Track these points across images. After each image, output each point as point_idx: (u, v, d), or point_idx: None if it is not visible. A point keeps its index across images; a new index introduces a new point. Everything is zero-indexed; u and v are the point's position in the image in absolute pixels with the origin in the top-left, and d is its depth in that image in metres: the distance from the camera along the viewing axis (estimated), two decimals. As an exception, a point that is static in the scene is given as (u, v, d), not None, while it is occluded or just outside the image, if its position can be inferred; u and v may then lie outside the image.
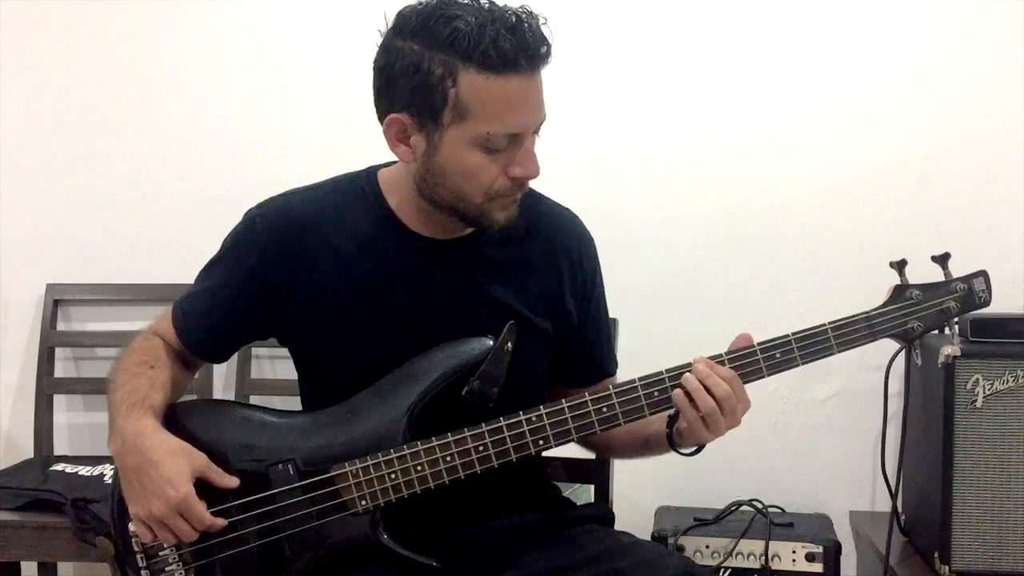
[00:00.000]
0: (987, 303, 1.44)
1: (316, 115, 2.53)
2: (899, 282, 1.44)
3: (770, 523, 2.21)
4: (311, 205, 1.47)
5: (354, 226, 1.45)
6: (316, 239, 1.44)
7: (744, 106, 2.45)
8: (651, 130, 2.48)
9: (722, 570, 2.15)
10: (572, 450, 1.57)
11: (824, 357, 1.40)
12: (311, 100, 2.54)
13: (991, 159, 2.39)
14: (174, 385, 1.47)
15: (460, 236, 1.46)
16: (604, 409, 1.38)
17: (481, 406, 1.39)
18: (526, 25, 1.30)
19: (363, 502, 1.37)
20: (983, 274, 1.44)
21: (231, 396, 2.50)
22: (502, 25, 1.28)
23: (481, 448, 1.37)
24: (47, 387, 2.53)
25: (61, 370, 2.59)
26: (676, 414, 1.39)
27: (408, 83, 1.32)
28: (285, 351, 1.55)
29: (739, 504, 2.31)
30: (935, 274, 1.44)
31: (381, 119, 1.38)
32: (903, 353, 2.07)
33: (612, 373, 1.63)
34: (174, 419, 1.43)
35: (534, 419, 1.38)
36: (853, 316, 1.40)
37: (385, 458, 1.37)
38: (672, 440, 1.43)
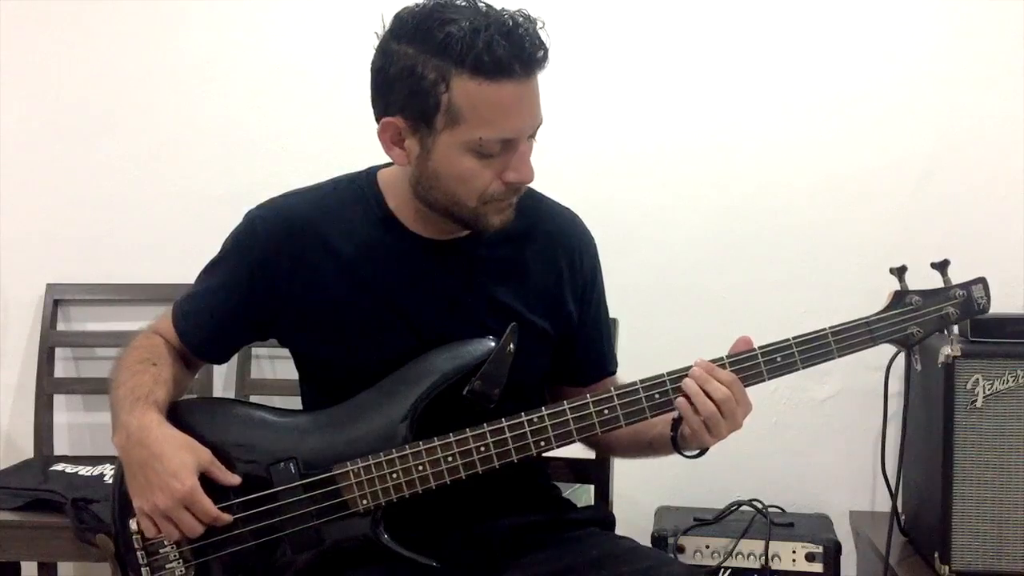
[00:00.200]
0: (986, 310, 1.44)
1: (316, 115, 2.53)
2: (899, 288, 1.44)
3: (770, 523, 2.22)
4: (311, 206, 1.47)
5: (354, 227, 1.45)
6: (316, 240, 1.44)
7: (744, 106, 2.45)
8: (651, 130, 2.48)
9: (722, 570, 2.15)
10: (572, 450, 1.57)
11: (824, 361, 1.41)
12: (311, 100, 2.54)
13: (991, 159, 2.40)
14: (176, 383, 1.47)
15: (460, 237, 1.46)
16: (606, 411, 1.38)
17: (482, 407, 1.39)
18: (522, 30, 1.29)
19: (364, 502, 1.37)
20: (982, 281, 1.45)
21: (231, 396, 2.50)
22: (497, 30, 1.27)
23: (482, 448, 1.37)
24: (47, 387, 2.53)
25: (61, 370, 2.59)
26: (680, 417, 1.39)
27: (402, 87, 1.31)
28: (285, 351, 1.54)
29: (739, 504, 2.31)
30: (935, 276, 1.45)
31: (377, 121, 1.38)
32: (903, 354, 2.07)
33: (613, 372, 1.63)
34: (176, 417, 1.42)
35: (536, 420, 1.38)
36: (854, 321, 1.41)
37: (386, 458, 1.37)
38: (676, 443, 1.43)
